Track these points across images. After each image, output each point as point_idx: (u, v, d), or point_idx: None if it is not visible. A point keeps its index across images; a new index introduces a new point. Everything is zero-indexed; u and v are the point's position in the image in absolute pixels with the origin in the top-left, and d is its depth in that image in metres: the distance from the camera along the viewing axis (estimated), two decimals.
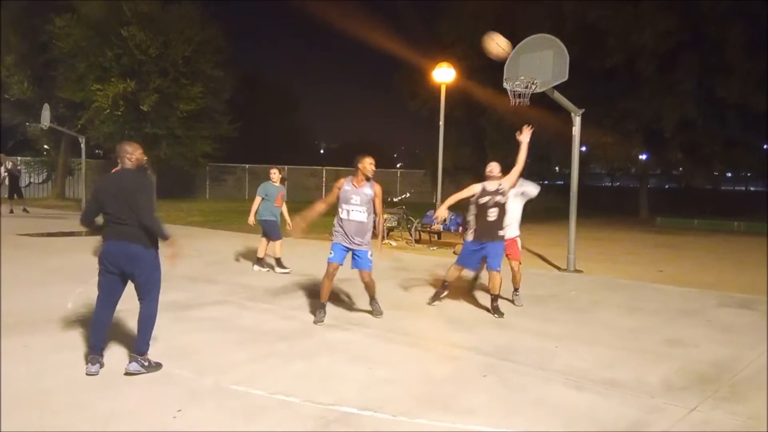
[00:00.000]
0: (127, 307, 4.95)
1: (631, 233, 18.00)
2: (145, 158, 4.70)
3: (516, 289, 7.46)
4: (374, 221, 6.37)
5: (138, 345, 4.52)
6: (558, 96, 9.63)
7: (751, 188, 40.28)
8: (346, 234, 6.16)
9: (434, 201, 15.48)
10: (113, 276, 4.47)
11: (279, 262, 9.32)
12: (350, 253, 6.26)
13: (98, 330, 4.55)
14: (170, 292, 7.30)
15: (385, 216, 14.32)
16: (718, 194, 32.68)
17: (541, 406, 4.11)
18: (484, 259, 6.82)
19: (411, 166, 45.03)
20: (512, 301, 7.36)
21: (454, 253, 11.88)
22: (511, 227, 7.12)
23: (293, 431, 3.62)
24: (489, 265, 6.75)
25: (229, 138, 26.50)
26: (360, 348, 5.37)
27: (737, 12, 21.06)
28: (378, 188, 6.27)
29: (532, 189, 7.40)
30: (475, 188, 6.76)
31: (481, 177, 6.95)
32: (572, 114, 10.05)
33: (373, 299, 6.56)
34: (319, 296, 6.34)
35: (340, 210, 6.21)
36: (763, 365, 5.15)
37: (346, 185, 6.21)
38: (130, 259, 4.40)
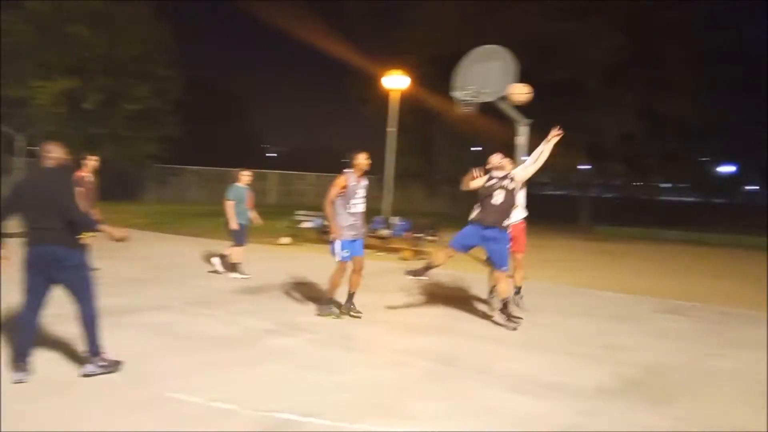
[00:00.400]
0: (58, 311, 4.78)
1: (572, 241, 18.46)
2: (69, 158, 4.58)
3: (518, 289, 7.11)
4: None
5: (89, 347, 4.43)
6: (505, 106, 9.82)
7: (688, 199, 42.01)
8: (355, 227, 6.49)
9: (381, 207, 15.53)
10: (39, 280, 4.31)
11: (237, 267, 9.12)
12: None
13: (25, 335, 4.37)
14: (107, 297, 7.05)
15: None
16: (655, 204, 33.90)
17: (481, 410, 4.18)
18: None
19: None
20: (515, 305, 6.92)
21: (401, 258, 11.95)
22: (517, 209, 6.85)
23: None
24: (495, 266, 6.47)
25: (175, 139, 25.98)
26: (303, 354, 5.33)
27: (681, 29, 22.00)
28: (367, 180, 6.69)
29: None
30: (483, 178, 6.58)
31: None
32: (519, 124, 10.26)
33: (353, 295, 6.73)
34: (329, 291, 6.62)
35: (347, 206, 6.44)
36: (690, 368, 5.37)
37: (351, 181, 6.46)
38: (55, 263, 4.26)
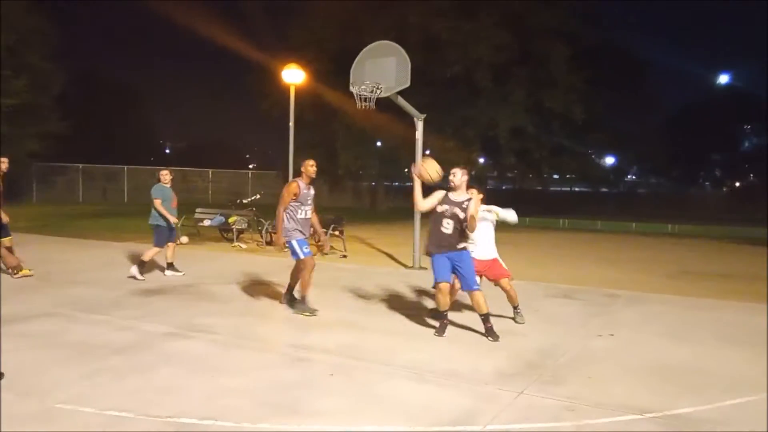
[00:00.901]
0: None
1: None
2: None
3: (515, 307, 6.75)
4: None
5: None
6: (401, 101, 9.99)
7: (575, 189, 44.63)
8: (303, 230, 6.78)
9: None
10: None
11: (141, 267, 8.91)
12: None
13: None
14: None
15: (235, 218, 13.99)
16: (546, 195, 35.77)
17: (385, 401, 4.24)
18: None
19: (264, 167, 44.43)
20: (513, 319, 6.73)
21: None
22: (488, 248, 6.60)
23: None
24: (463, 286, 6.07)
25: (59, 136, 24.35)
26: (204, 356, 5.18)
27: (560, 31, 23.33)
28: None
29: (505, 214, 6.65)
30: (439, 194, 6.10)
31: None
32: (415, 119, 10.47)
33: (291, 289, 7.17)
34: (302, 290, 6.87)
35: (298, 211, 6.74)
36: (580, 349, 5.72)
37: (303, 189, 6.77)
38: None
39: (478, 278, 6.35)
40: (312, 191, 6.92)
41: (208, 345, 5.52)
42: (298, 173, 7.02)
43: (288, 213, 6.75)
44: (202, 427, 3.69)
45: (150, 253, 8.90)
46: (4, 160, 8.48)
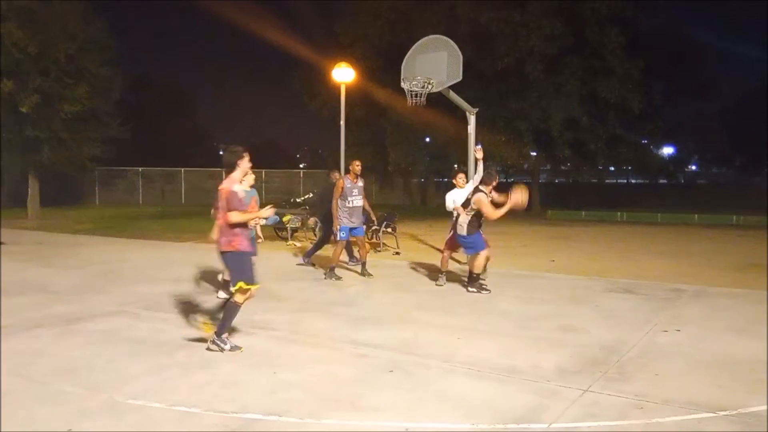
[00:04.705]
0: None
1: (525, 226, 18.73)
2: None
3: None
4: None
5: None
6: (453, 96, 9.87)
7: (632, 181, 43.40)
8: (351, 216, 8.68)
9: None
10: None
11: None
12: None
13: None
14: (56, 305, 6.89)
15: (289, 217, 14.17)
16: (602, 187, 34.88)
17: (445, 397, 4.20)
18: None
19: (314, 166, 44.87)
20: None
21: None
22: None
23: None
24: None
25: (120, 140, 25.17)
26: (264, 352, 5.26)
27: (615, 18, 22.64)
28: (363, 181, 8.95)
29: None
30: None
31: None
32: (467, 113, 10.34)
33: (364, 263, 9.10)
34: (332, 262, 8.87)
35: (346, 201, 8.64)
36: (646, 345, 5.54)
37: (347, 183, 8.70)
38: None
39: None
40: (359, 184, 8.79)
41: (268, 341, 5.60)
42: (347, 171, 8.78)
43: (339, 204, 8.67)
44: (267, 423, 3.74)
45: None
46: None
